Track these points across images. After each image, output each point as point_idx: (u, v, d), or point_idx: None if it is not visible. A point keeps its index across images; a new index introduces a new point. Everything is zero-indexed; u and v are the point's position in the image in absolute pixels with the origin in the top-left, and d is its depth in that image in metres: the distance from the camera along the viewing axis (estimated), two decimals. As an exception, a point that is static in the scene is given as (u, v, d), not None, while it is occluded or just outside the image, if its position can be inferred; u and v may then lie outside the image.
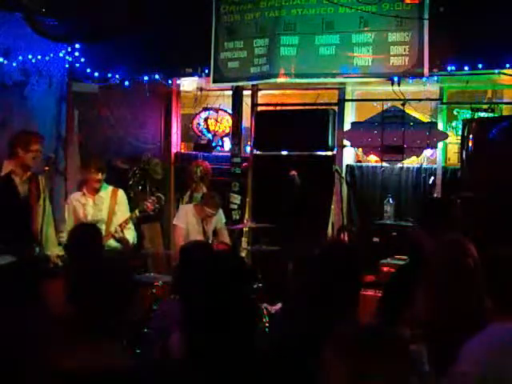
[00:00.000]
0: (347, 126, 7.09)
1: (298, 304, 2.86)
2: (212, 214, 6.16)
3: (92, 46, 7.44)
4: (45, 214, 5.13)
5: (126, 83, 7.38)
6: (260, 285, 5.79)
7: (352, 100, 7.30)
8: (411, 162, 6.93)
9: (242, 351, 2.39)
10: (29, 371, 1.99)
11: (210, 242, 6.09)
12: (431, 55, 6.07)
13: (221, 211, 6.42)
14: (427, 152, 6.85)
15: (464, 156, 5.79)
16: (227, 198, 7.35)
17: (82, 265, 2.56)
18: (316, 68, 6.58)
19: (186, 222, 6.21)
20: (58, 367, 2.08)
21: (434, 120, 6.75)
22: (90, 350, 2.19)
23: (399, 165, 6.89)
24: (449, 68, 6.06)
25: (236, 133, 7.58)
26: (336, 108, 7.11)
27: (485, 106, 6.37)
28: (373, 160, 7.22)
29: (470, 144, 5.65)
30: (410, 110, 6.69)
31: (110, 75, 7.40)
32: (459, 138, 6.21)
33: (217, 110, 7.96)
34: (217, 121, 7.98)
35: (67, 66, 7.40)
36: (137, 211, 5.60)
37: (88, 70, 7.41)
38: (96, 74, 7.41)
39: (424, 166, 6.87)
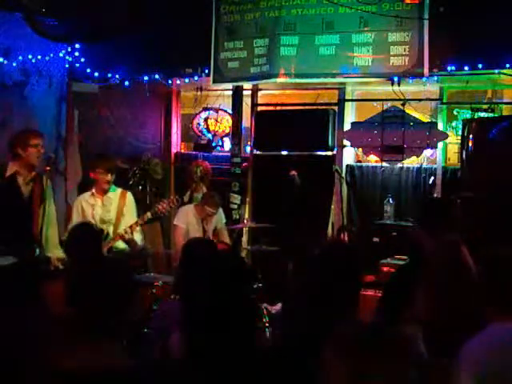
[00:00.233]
0: (347, 126, 7.09)
1: (298, 304, 2.86)
2: (212, 213, 6.17)
3: (92, 46, 7.44)
4: (45, 215, 5.12)
5: (126, 83, 7.38)
6: (260, 285, 5.79)
7: (352, 100, 7.30)
8: (411, 162, 6.94)
9: (242, 351, 2.39)
10: (29, 371, 1.99)
11: (210, 242, 6.08)
12: (431, 55, 6.07)
13: (221, 211, 6.42)
14: (427, 152, 6.85)
15: (464, 156, 5.79)
16: (227, 198, 7.35)
17: (82, 265, 2.56)
18: (316, 68, 6.58)
19: (187, 222, 6.22)
20: (58, 367, 2.08)
21: (434, 120, 6.75)
22: (90, 350, 2.19)
23: (399, 165, 6.89)
24: (449, 68, 6.06)
25: (236, 133, 7.58)
26: (336, 108, 7.11)
27: (485, 106, 6.37)
28: (373, 160, 7.22)
29: (470, 144, 5.65)
30: (409, 110, 6.69)
31: (110, 75, 7.40)
32: (459, 138, 6.21)
33: (217, 110, 7.96)
34: (217, 121, 7.98)
35: (67, 66, 7.41)
36: (149, 213, 5.59)
37: (88, 70, 7.41)
38: (96, 74, 7.41)
39: (424, 166, 6.88)
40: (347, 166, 7.24)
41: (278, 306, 6.10)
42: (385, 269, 5.76)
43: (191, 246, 3.63)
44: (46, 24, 7.04)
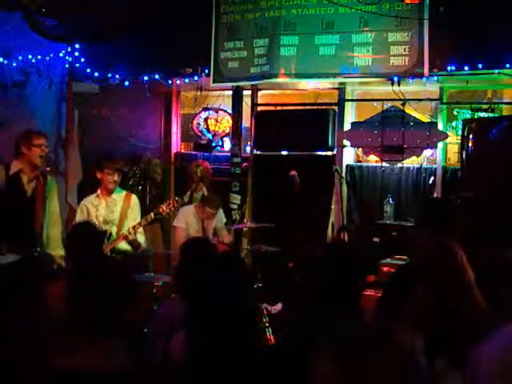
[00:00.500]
0: (347, 126, 7.09)
1: (298, 304, 2.86)
2: (213, 214, 6.18)
3: (92, 46, 7.44)
4: (46, 213, 5.14)
5: (126, 83, 7.38)
6: (260, 285, 5.79)
7: (352, 100, 7.30)
8: (411, 162, 6.94)
9: (242, 351, 2.39)
10: (29, 371, 1.99)
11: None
12: (431, 55, 6.07)
13: (221, 211, 6.42)
14: (427, 152, 6.86)
15: (464, 156, 5.79)
16: (227, 198, 7.35)
17: (83, 265, 2.56)
18: (316, 68, 6.59)
19: (186, 222, 6.22)
20: (58, 367, 2.08)
21: (434, 120, 6.75)
22: (89, 350, 2.19)
23: (399, 165, 6.90)
24: (449, 68, 6.07)
25: (236, 133, 7.58)
26: (336, 108, 7.11)
27: (485, 106, 6.37)
28: (373, 160, 7.23)
29: (470, 144, 5.65)
30: (409, 110, 6.69)
31: (110, 75, 7.40)
32: (459, 137, 6.21)
33: (217, 110, 7.96)
34: (217, 121, 7.99)
35: (67, 66, 7.41)
36: (152, 214, 5.60)
37: (88, 70, 7.42)
38: (96, 74, 7.41)
39: (424, 166, 6.88)
40: (347, 165, 7.24)
41: (278, 306, 6.11)
42: (385, 269, 5.75)
43: (189, 246, 3.63)
44: (46, 24, 7.04)
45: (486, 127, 5.62)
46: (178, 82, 7.77)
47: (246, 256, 6.82)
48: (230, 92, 7.60)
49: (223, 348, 2.37)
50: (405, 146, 6.56)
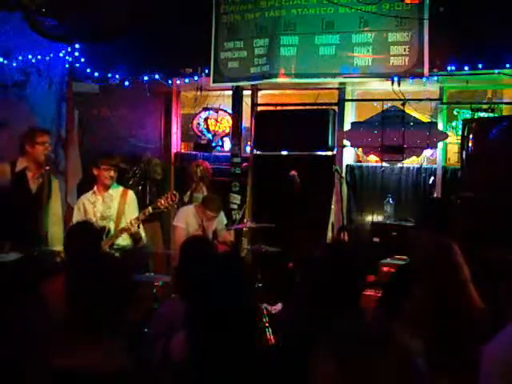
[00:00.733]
0: (347, 126, 7.09)
1: (298, 304, 2.86)
2: (213, 216, 6.17)
3: (92, 46, 7.44)
4: (47, 212, 5.15)
5: (126, 83, 7.39)
6: (260, 285, 5.79)
7: (352, 100, 7.30)
8: (411, 162, 6.94)
9: (242, 351, 2.39)
10: (29, 371, 1.99)
11: (210, 242, 6.08)
12: (431, 55, 6.07)
13: (222, 214, 6.42)
14: (427, 152, 6.86)
15: (464, 156, 5.79)
16: (227, 198, 7.35)
17: (82, 264, 2.56)
18: (316, 68, 6.59)
19: (186, 222, 6.21)
20: (58, 367, 2.08)
21: (434, 120, 6.75)
22: (89, 350, 2.19)
23: (399, 165, 6.90)
24: (449, 68, 6.07)
25: (236, 133, 7.58)
26: (336, 108, 7.11)
27: (485, 106, 6.37)
28: (373, 160, 7.23)
29: (470, 144, 5.65)
30: (409, 110, 6.69)
31: (110, 75, 7.40)
32: (459, 137, 6.21)
33: (217, 110, 7.97)
34: (217, 121, 7.99)
35: (67, 66, 7.41)
36: (150, 208, 5.59)
37: (88, 70, 7.42)
38: (96, 74, 7.42)
39: (424, 166, 6.88)
40: (347, 165, 7.24)
41: (278, 306, 6.11)
42: (385, 269, 5.76)
43: (189, 244, 3.63)
44: (46, 24, 7.04)
45: (486, 127, 5.62)
46: (178, 82, 7.77)
47: (246, 256, 6.82)
48: (230, 92, 7.60)
49: (223, 348, 2.37)
50: (405, 146, 6.56)
